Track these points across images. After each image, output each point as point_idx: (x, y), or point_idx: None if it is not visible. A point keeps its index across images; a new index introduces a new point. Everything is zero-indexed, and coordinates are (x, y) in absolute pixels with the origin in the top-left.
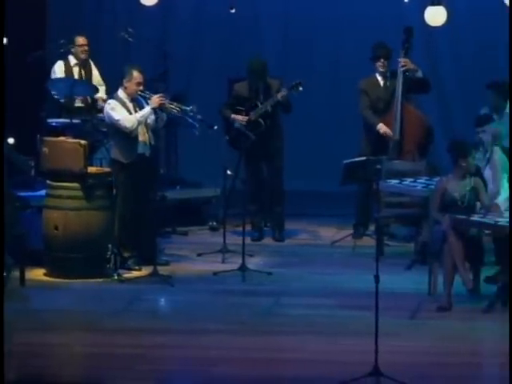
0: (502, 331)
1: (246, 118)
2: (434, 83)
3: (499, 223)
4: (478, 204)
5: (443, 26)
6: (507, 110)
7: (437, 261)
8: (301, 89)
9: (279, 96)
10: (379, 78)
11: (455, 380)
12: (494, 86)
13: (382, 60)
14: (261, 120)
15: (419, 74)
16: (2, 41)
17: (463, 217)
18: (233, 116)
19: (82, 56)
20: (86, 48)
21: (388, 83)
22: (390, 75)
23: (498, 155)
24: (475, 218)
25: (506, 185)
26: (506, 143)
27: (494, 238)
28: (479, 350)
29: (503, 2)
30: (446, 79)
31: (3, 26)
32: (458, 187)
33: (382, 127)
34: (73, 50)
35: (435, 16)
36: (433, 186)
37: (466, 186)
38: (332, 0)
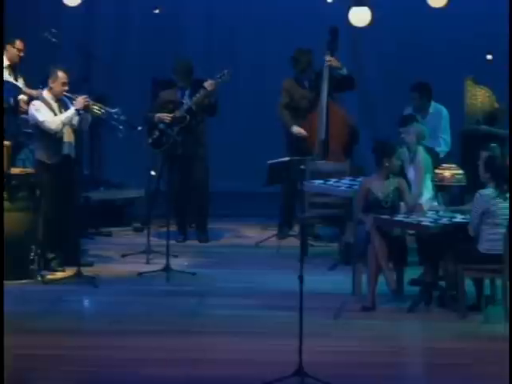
0: (426, 331)
1: (171, 115)
2: (358, 84)
3: (422, 223)
4: (402, 204)
5: (367, 26)
6: (431, 110)
7: (361, 261)
8: (229, 77)
9: (207, 85)
10: (303, 80)
11: (379, 379)
12: (418, 87)
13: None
14: (186, 114)
15: (344, 71)
16: (2, 41)
17: (387, 217)
18: (158, 115)
19: (17, 59)
20: (22, 54)
21: (313, 83)
22: (315, 76)
23: (422, 156)
24: (399, 218)
25: (429, 185)
26: (429, 143)
27: (418, 238)
28: (403, 349)
29: (426, 2)
30: (371, 79)
31: (3, 26)
32: (381, 187)
33: (295, 128)
34: (6, 51)
35: (359, 16)
36: (357, 187)
37: (390, 186)
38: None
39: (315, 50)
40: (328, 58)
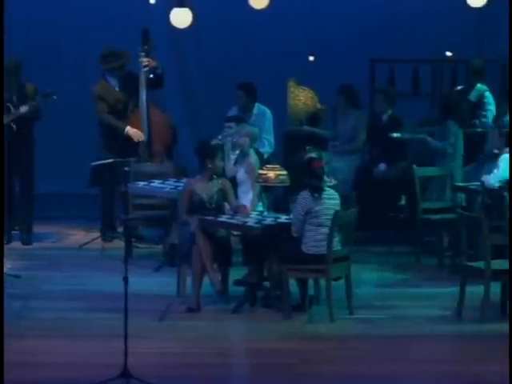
0: (250, 331)
1: None
2: (181, 84)
3: (247, 224)
4: (226, 205)
5: (189, 27)
6: (255, 111)
7: (185, 262)
8: (55, 97)
9: (33, 103)
10: (112, 81)
11: (205, 380)
12: (244, 86)
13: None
14: (13, 125)
15: (159, 71)
16: (2, 41)
17: (211, 218)
18: None
19: None
20: None
21: (123, 83)
22: (125, 77)
23: (254, 158)
24: (223, 218)
25: (257, 186)
26: (258, 145)
27: (242, 239)
28: (228, 350)
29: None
30: (194, 80)
31: (3, 26)
32: (205, 188)
33: (130, 130)
34: None
35: (180, 17)
36: (181, 188)
37: (214, 187)
38: (73, 1)
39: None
40: (144, 59)
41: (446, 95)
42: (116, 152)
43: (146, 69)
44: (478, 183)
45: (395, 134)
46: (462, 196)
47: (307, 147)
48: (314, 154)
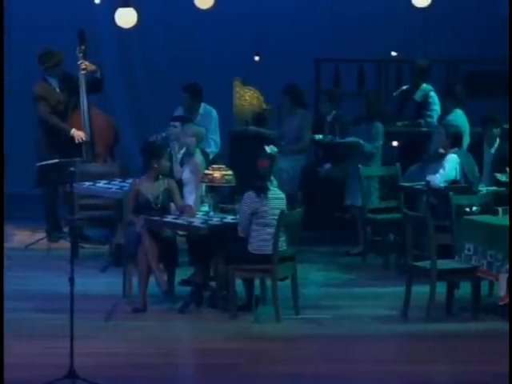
0: (197, 331)
1: None
2: (126, 85)
3: (193, 224)
4: (172, 205)
5: (134, 27)
6: (201, 111)
7: (131, 262)
8: None
9: None
10: (53, 82)
11: (151, 381)
12: (190, 88)
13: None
14: None
15: (97, 74)
16: (2, 41)
17: (157, 218)
18: None
19: None
20: None
21: (63, 85)
22: (63, 78)
23: (200, 158)
24: (169, 218)
25: (200, 186)
26: (204, 145)
27: (188, 239)
28: (174, 350)
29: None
30: (139, 80)
31: (3, 27)
32: (151, 189)
33: (75, 132)
34: None
35: (125, 17)
36: (127, 188)
37: (160, 187)
38: (17, 1)
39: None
40: (82, 63)
41: (368, 95)
42: (59, 152)
43: (84, 71)
44: (423, 183)
45: (316, 137)
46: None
47: (265, 146)
48: (268, 153)
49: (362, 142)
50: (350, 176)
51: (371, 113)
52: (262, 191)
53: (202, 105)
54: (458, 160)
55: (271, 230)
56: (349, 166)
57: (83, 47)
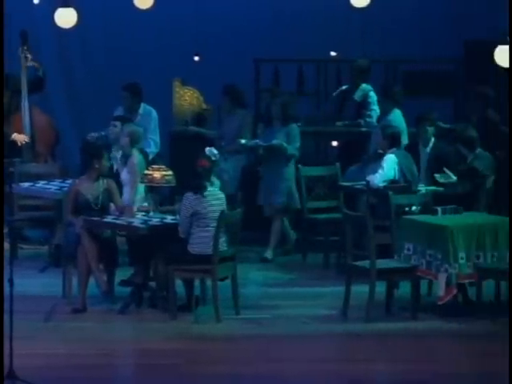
0: (137, 332)
1: None
2: (66, 85)
3: (133, 224)
4: (112, 205)
5: (74, 27)
6: (141, 111)
7: (71, 263)
8: None
9: None
10: None
11: (90, 381)
12: (130, 87)
13: None
14: None
15: (40, 73)
16: (2, 41)
17: (97, 218)
18: None
19: None
20: None
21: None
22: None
23: (137, 158)
24: (109, 219)
25: (140, 186)
26: (139, 144)
27: (128, 239)
28: (114, 351)
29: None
30: (79, 80)
31: (3, 29)
32: (91, 189)
33: (16, 136)
34: None
35: (65, 17)
36: (66, 188)
37: (99, 187)
38: None
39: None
40: (24, 61)
41: (283, 97)
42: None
43: (30, 64)
44: (363, 183)
45: (242, 141)
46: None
47: (205, 148)
48: (209, 154)
49: (285, 144)
50: (269, 177)
51: (286, 115)
52: (199, 190)
53: (142, 105)
54: (396, 160)
55: (211, 231)
56: (268, 168)
57: (26, 47)
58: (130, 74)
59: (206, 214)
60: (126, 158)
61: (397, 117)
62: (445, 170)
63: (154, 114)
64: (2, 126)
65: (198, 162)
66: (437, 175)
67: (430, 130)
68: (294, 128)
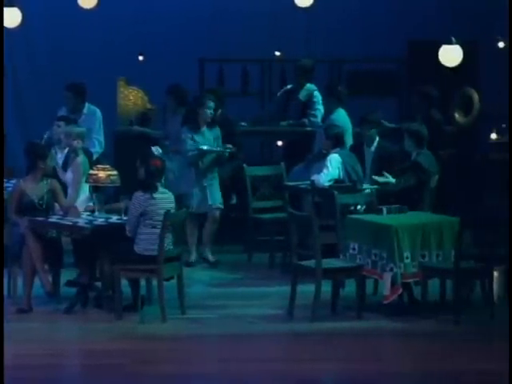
0: (82, 332)
1: None
2: (10, 84)
3: (77, 224)
4: (57, 206)
5: (18, 26)
6: (85, 111)
7: (16, 263)
8: None
9: None
10: None
11: (37, 382)
12: (73, 87)
13: None
14: None
15: None
16: (2, 41)
17: (41, 219)
18: None
19: None
20: None
21: None
22: None
23: (82, 158)
24: (54, 219)
25: (84, 186)
26: (88, 145)
27: (73, 239)
28: (60, 351)
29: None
30: (23, 80)
31: (3, 29)
32: (35, 189)
33: None
34: None
35: (10, 17)
36: (10, 189)
37: (44, 187)
38: None
39: None
40: None
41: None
42: None
43: None
44: (308, 182)
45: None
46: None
47: (152, 146)
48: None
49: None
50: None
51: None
52: (149, 189)
53: (86, 105)
54: (340, 160)
55: (158, 231)
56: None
57: None
58: (74, 73)
59: (155, 214)
60: (72, 159)
61: (341, 116)
62: (384, 173)
63: (99, 113)
64: (2, 125)
65: (151, 161)
66: (375, 177)
67: (373, 131)
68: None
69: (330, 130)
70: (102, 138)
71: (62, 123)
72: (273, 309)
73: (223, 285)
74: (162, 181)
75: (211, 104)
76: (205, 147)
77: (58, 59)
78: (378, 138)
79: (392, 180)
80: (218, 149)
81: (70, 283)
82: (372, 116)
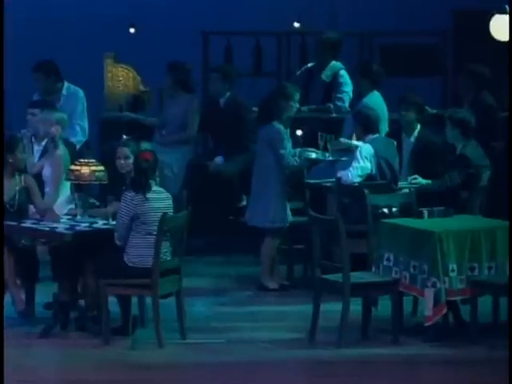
0: (62, 359)
1: None
2: None
3: (56, 230)
4: (32, 207)
5: None
6: (64, 91)
7: None
8: None
9: None
10: None
11: None
12: (42, 66)
13: None
14: None
15: None
16: (2, 41)
17: (13, 223)
18: None
19: None
20: None
21: None
22: None
23: (62, 150)
24: (27, 224)
25: (65, 184)
26: (63, 132)
27: (51, 249)
28: (35, 381)
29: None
30: None
31: (3, 28)
32: (6, 188)
33: None
34: None
35: None
36: None
37: (16, 185)
38: None
39: None
40: None
41: None
42: None
43: None
44: (333, 179)
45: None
46: None
47: (123, 138)
48: (134, 147)
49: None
50: None
51: None
52: (141, 189)
53: (66, 84)
54: (371, 151)
55: (153, 238)
56: None
57: None
58: (53, 50)
59: (148, 218)
60: (51, 150)
61: (376, 100)
62: (416, 176)
63: (81, 94)
64: (2, 125)
65: (141, 155)
66: (410, 178)
67: (414, 115)
68: None
69: (361, 113)
70: (85, 125)
71: (36, 110)
72: (291, 332)
73: (232, 303)
74: (157, 178)
75: (297, 96)
76: (313, 155)
77: (35, 35)
78: (418, 126)
79: (423, 181)
80: (330, 158)
81: (48, 306)
82: (414, 97)
